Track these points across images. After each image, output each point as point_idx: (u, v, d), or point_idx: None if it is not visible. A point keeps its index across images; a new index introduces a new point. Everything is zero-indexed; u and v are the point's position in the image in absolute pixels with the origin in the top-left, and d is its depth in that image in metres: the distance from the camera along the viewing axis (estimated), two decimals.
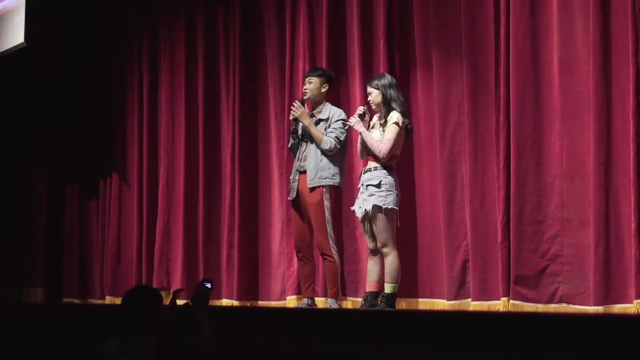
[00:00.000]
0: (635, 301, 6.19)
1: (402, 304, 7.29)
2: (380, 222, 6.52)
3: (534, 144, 6.86)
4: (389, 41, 7.78)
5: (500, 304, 6.85)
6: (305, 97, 7.17)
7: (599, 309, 6.36)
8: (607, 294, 6.37)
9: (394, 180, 6.61)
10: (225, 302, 8.84)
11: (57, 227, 11.06)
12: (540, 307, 6.70)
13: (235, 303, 8.69)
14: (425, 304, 7.44)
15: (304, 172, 7.05)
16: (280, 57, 8.76)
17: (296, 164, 7.15)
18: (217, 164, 9.35)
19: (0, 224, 11.31)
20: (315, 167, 6.96)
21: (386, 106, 6.64)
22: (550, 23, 6.88)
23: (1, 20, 10.71)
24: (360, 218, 6.73)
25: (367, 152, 6.73)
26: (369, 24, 8.03)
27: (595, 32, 6.53)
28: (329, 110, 7.11)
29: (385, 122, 6.61)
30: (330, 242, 6.94)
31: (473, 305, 7.05)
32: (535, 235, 6.80)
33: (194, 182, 9.45)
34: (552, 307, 6.68)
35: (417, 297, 7.42)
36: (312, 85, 7.12)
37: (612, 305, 6.35)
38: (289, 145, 7.32)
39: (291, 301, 8.20)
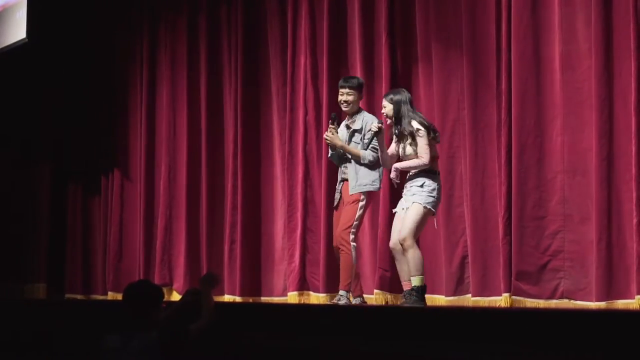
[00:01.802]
0: (637, 297, 6.21)
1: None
2: (412, 217, 6.36)
3: (536, 139, 6.86)
4: (391, 37, 7.78)
5: (501, 300, 6.85)
6: (345, 110, 6.99)
7: (601, 304, 6.37)
8: (609, 290, 6.38)
9: (437, 185, 6.45)
10: (227, 297, 8.85)
11: (59, 223, 11.07)
12: (541, 303, 6.71)
13: (238, 299, 8.69)
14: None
15: (346, 179, 7.01)
16: (282, 53, 8.76)
17: (340, 175, 7.05)
18: (220, 160, 9.34)
19: (4, 220, 11.32)
20: (356, 176, 6.89)
21: (395, 120, 6.51)
22: (552, 18, 6.88)
23: (3, 16, 10.71)
24: (401, 217, 6.48)
25: (391, 162, 6.66)
26: (370, 20, 8.03)
27: (597, 28, 6.53)
28: (362, 119, 6.98)
29: (401, 135, 6.49)
30: (351, 236, 6.87)
31: (473, 301, 7.05)
32: (537, 231, 6.80)
33: (196, 178, 9.45)
34: (554, 303, 6.69)
35: None
36: (352, 97, 6.94)
37: (614, 300, 6.36)
38: (329, 155, 7.17)
39: (292, 297, 8.20)
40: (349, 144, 6.91)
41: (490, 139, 7.17)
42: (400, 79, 7.75)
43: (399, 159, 6.59)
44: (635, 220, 6.25)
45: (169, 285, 9.45)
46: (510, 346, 4.92)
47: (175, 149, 9.72)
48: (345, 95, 6.95)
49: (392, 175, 6.51)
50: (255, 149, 8.96)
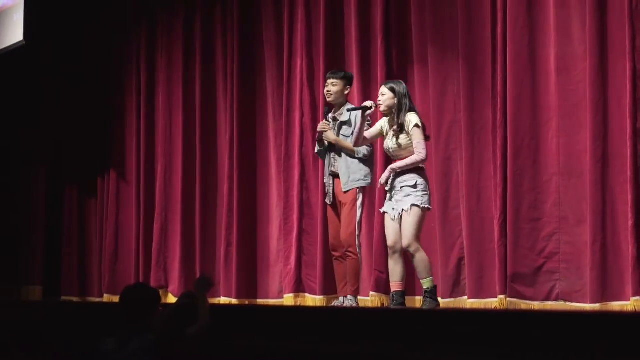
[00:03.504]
0: (633, 298, 6.20)
1: None
2: (413, 220, 6.35)
3: (531, 141, 6.87)
4: (387, 38, 7.79)
5: (497, 302, 6.85)
6: (329, 100, 7.11)
7: (596, 306, 6.37)
8: (604, 292, 6.38)
9: (426, 181, 6.50)
10: (223, 300, 8.84)
11: (55, 225, 11.06)
12: (537, 305, 6.71)
13: (234, 301, 8.69)
14: (421, 301, 7.44)
15: (337, 174, 7.03)
16: (278, 55, 8.77)
17: (328, 169, 7.06)
18: (215, 162, 9.35)
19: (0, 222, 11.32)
20: (347, 171, 6.91)
21: (397, 112, 6.50)
22: (547, 20, 6.89)
23: (0, 18, 10.71)
24: (392, 219, 6.46)
25: (363, 144, 6.72)
26: (366, 21, 8.03)
27: (592, 30, 6.54)
28: (351, 112, 7.07)
29: (401, 127, 6.52)
30: (357, 240, 6.91)
31: (469, 303, 7.06)
32: (532, 233, 6.81)
33: (191, 180, 9.45)
34: (549, 305, 6.69)
35: (415, 295, 7.40)
36: (336, 87, 7.03)
37: (609, 302, 6.36)
38: (316, 151, 7.23)
39: (288, 299, 8.20)
40: (337, 137, 6.94)
41: (486, 141, 7.17)
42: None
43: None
44: (630, 222, 6.25)
45: (165, 287, 9.44)
46: (506, 348, 4.93)
47: (171, 150, 9.72)
48: (329, 86, 7.04)
49: (386, 175, 6.48)
50: (251, 151, 8.96)
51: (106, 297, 10.12)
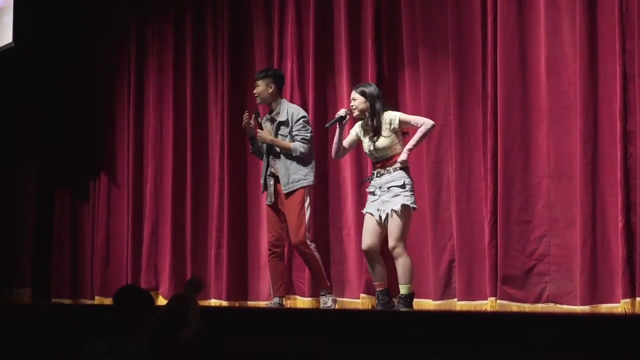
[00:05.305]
0: (622, 301, 6.23)
1: None
2: (402, 222, 6.39)
3: (521, 144, 6.89)
4: (377, 41, 7.79)
5: (487, 304, 6.87)
6: (257, 102, 7.26)
7: (586, 308, 6.39)
8: (594, 294, 6.40)
9: (412, 180, 6.53)
10: (213, 302, 8.83)
11: (45, 227, 11.02)
12: (527, 307, 6.73)
13: (224, 303, 8.69)
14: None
15: (277, 175, 7.07)
16: (269, 58, 8.75)
17: (267, 169, 7.15)
18: (206, 165, 9.33)
19: None
20: (287, 173, 6.96)
21: (370, 115, 6.53)
22: (538, 22, 6.91)
23: None
24: (377, 220, 6.50)
25: (344, 154, 6.78)
26: (356, 24, 8.03)
27: (582, 32, 6.56)
28: (287, 110, 7.09)
29: (378, 129, 6.53)
30: (307, 239, 6.98)
31: (459, 305, 7.07)
32: (523, 235, 6.82)
33: (182, 183, 9.43)
34: (540, 307, 6.71)
35: (420, 297, 7.38)
36: (259, 88, 7.14)
37: (599, 305, 6.38)
38: (252, 151, 7.35)
39: None
40: (275, 137, 6.98)
41: (476, 143, 7.19)
42: (387, 84, 7.76)
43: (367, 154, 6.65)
44: (620, 225, 6.27)
45: (155, 289, 9.42)
46: (496, 350, 4.94)
47: (162, 153, 9.70)
48: (256, 88, 7.15)
49: (404, 158, 6.47)
50: (241, 154, 8.93)
51: (97, 300, 10.09)
